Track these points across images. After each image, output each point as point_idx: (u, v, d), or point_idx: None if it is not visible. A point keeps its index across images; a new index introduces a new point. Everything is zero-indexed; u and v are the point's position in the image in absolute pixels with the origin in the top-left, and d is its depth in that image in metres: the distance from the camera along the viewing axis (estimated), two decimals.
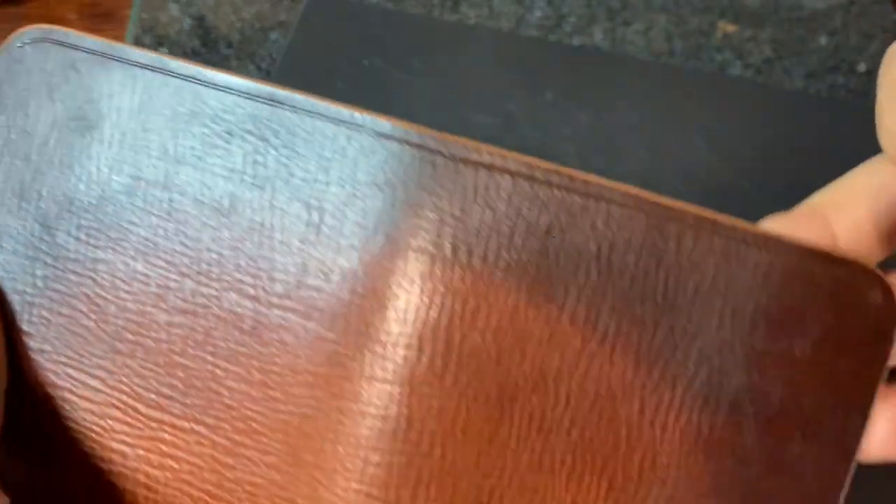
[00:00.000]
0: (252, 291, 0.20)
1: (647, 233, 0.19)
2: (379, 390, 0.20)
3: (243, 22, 0.40)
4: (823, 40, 0.38)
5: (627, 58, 0.39)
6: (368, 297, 0.19)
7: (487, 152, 0.19)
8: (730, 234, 0.19)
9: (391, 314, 0.19)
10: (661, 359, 0.19)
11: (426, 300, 0.19)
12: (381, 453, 0.20)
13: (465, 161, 0.19)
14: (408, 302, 0.19)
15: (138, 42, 0.40)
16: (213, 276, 0.20)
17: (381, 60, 0.39)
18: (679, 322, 0.19)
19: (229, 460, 0.20)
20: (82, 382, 0.21)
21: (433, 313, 0.19)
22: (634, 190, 0.19)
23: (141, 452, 0.21)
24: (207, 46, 0.40)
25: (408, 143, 0.19)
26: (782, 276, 0.19)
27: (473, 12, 0.40)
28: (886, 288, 0.19)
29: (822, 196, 0.21)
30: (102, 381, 0.21)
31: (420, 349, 0.19)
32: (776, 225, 0.20)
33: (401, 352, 0.19)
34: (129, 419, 0.21)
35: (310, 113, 0.19)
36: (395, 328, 0.19)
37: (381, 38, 0.40)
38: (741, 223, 0.19)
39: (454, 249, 0.19)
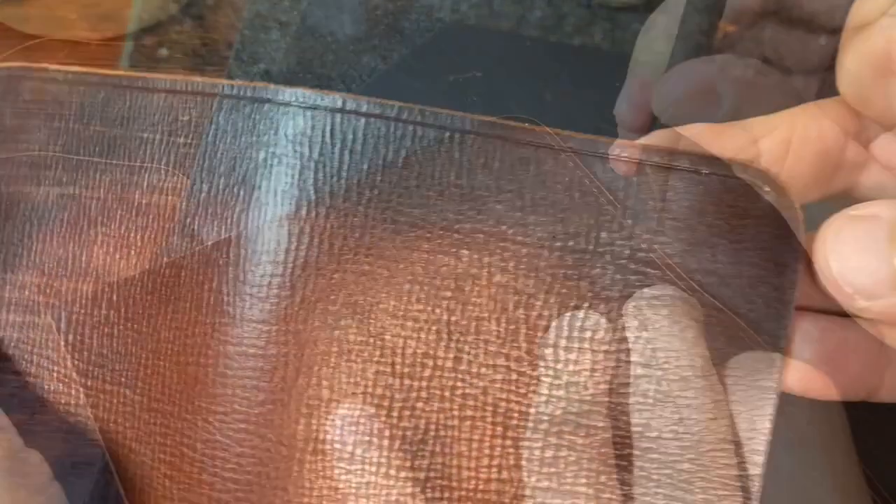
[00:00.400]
0: (155, 256, 0.22)
1: (504, 157, 0.20)
2: (258, 331, 0.20)
3: (243, 22, 0.40)
4: (823, 40, 0.38)
5: (627, 58, 0.39)
6: (243, 244, 0.20)
7: (341, 98, 0.20)
8: (591, 149, 0.19)
9: (263, 257, 0.20)
10: (554, 281, 0.19)
11: (294, 242, 0.20)
12: (264, 391, 0.20)
13: (318, 108, 0.20)
14: (278, 244, 0.20)
15: (138, 42, 0.40)
16: (134, 251, 0.22)
17: (381, 61, 0.39)
18: (554, 241, 0.19)
19: (145, 415, 0.22)
20: (37, 365, 0.23)
21: (301, 254, 0.20)
22: (493, 119, 0.20)
23: (80, 419, 0.23)
24: (207, 46, 0.40)
25: (260, 99, 0.20)
26: (658, 184, 0.19)
27: (473, 12, 0.40)
28: (778, 186, 0.18)
29: (759, 118, 0.19)
30: (51, 359, 0.23)
31: (293, 287, 0.20)
32: (698, 131, 0.19)
33: (274, 292, 0.20)
34: (71, 391, 0.23)
35: (187, 93, 0.21)
36: (268, 270, 0.20)
37: (380, 37, 0.40)
38: (605, 139, 0.19)
39: (317, 191, 0.20)
